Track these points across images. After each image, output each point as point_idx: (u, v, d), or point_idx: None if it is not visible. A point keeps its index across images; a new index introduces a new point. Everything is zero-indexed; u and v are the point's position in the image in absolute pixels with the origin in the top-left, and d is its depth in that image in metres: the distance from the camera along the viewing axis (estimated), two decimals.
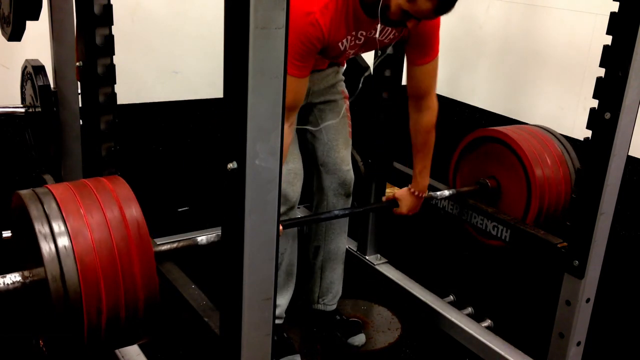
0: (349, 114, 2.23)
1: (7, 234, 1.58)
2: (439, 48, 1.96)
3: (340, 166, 2.19)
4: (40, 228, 1.36)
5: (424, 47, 1.93)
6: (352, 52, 1.90)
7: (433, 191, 2.27)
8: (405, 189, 2.18)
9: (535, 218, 2.16)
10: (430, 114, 2.04)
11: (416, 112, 2.05)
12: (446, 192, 2.26)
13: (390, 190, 2.84)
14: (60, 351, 1.43)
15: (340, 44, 1.81)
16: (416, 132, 2.08)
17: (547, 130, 2.31)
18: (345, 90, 2.21)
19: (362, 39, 1.85)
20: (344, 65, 2.23)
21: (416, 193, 2.15)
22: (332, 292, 2.35)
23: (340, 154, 2.19)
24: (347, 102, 2.22)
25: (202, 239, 1.72)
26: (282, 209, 2.05)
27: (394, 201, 2.18)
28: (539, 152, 2.17)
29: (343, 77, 2.21)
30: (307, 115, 2.17)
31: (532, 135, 2.24)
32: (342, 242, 2.32)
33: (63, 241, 1.35)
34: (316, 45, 1.75)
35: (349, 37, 1.81)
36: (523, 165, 2.17)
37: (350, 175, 2.23)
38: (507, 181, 2.25)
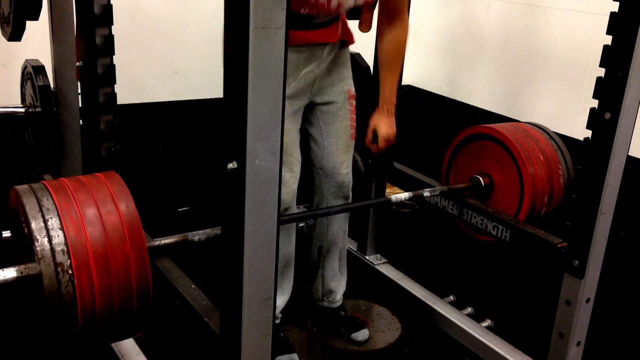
0: (354, 116, 2.19)
1: (6, 234, 1.58)
2: None
3: (339, 170, 2.18)
4: (35, 222, 1.36)
5: None
6: None
7: (427, 187, 2.28)
8: (374, 113, 2.16)
9: (528, 214, 2.17)
10: (404, 29, 2.06)
11: (390, 30, 2.05)
12: (440, 189, 2.27)
13: (391, 190, 2.84)
14: (55, 345, 1.43)
15: None
16: (389, 46, 2.08)
17: (539, 128, 2.31)
18: (352, 89, 2.17)
19: None
20: (352, 41, 2.14)
21: (385, 109, 2.14)
22: (335, 291, 2.36)
23: (339, 159, 2.17)
24: (354, 103, 2.18)
25: (196, 235, 1.72)
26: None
27: (375, 136, 2.16)
28: (531, 149, 2.18)
29: (351, 73, 2.17)
30: (308, 115, 2.15)
31: (525, 133, 2.24)
32: (343, 243, 2.32)
33: (57, 235, 1.36)
34: None
35: None
36: (515, 162, 2.17)
37: (349, 178, 2.22)
38: (500, 178, 2.26)
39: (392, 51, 2.09)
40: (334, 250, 2.31)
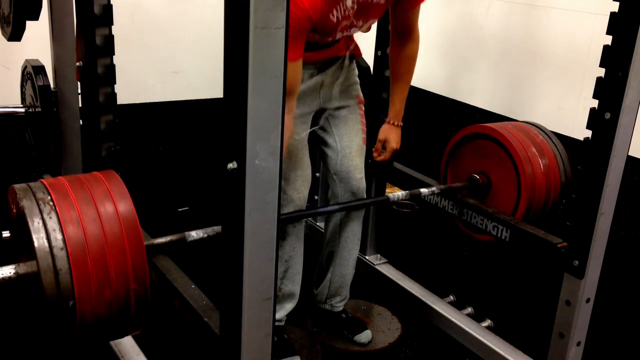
0: (364, 120, 2.21)
1: (6, 234, 1.58)
2: None
3: (353, 174, 2.18)
4: (33, 221, 1.36)
5: None
6: (346, 23, 1.87)
7: (425, 187, 2.28)
8: (384, 125, 2.22)
9: (525, 213, 2.17)
10: (415, 44, 2.10)
11: (402, 44, 2.09)
12: (437, 188, 2.27)
13: (390, 190, 2.84)
14: (54, 342, 1.43)
15: (331, 15, 1.80)
16: (401, 61, 2.12)
17: (537, 127, 2.32)
18: (361, 95, 2.20)
19: (355, 5, 1.83)
20: (359, 54, 2.19)
21: (396, 123, 2.19)
22: (340, 295, 2.36)
23: (354, 162, 2.18)
24: (363, 108, 2.21)
25: (194, 234, 1.72)
26: (288, 209, 2.05)
27: (383, 146, 2.22)
28: (528, 148, 2.19)
29: (358, 80, 2.20)
30: (320, 121, 2.16)
31: (522, 132, 2.25)
32: (355, 250, 2.32)
33: (55, 234, 1.36)
34: (306, 24, 1.75)
35: (338, 7, 1.79)
36: (513, 161, 2.18)
37: (362, 183, 2.22)
38: (498, 177, 2.27)
39: (405, 66, 2.13)
40: (346, 257, 2.30)
